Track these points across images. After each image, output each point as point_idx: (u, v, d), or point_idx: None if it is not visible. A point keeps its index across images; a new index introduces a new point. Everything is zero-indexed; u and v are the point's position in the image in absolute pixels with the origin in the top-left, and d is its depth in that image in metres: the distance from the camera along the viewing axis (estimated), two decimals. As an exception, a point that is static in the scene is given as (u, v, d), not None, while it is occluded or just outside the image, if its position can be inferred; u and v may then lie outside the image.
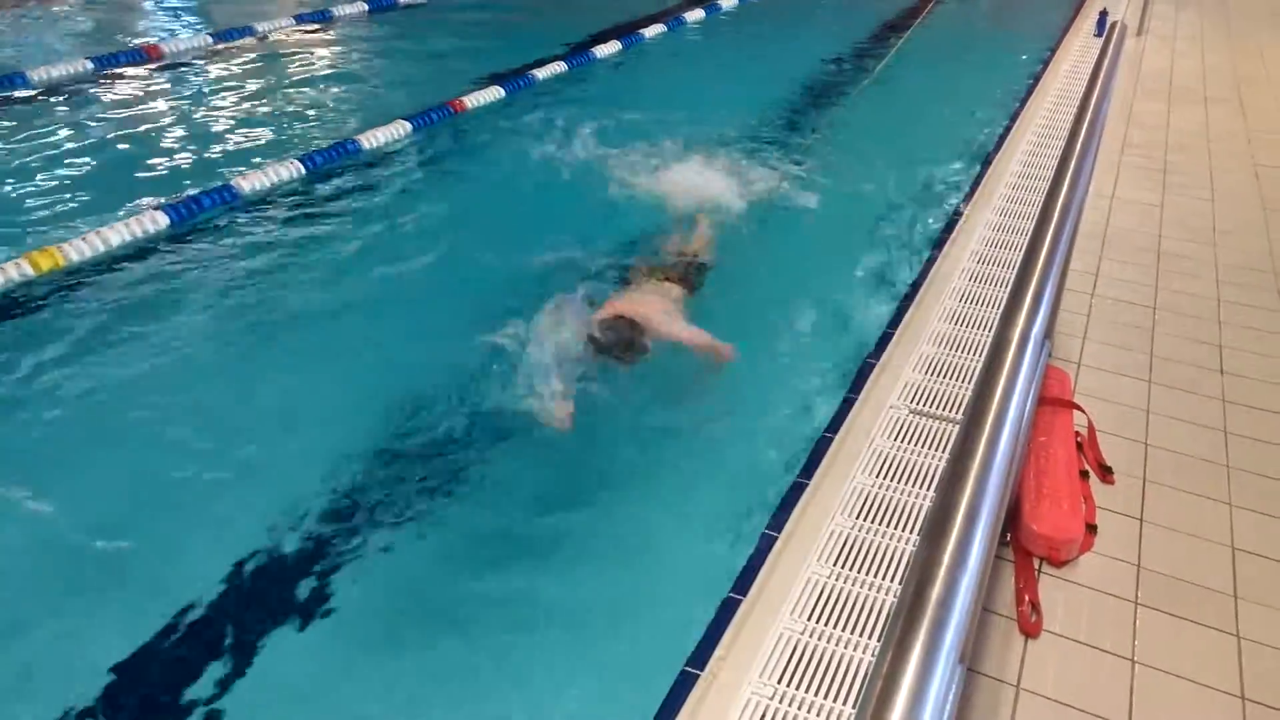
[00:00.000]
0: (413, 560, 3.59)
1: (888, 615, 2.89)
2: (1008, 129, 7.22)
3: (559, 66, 8.81)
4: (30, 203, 5.96)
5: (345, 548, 3.57)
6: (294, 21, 10.02)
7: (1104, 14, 9.92)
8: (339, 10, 10.49)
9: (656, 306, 4.65)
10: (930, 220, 5.92)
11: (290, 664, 3.19)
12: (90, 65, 8.29)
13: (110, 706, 2.99)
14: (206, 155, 6.77)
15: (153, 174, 6.46)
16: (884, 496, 3.40)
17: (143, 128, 7.21)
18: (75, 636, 3.22)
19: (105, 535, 3.58)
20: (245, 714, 3.01)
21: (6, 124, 7.12)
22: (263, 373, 4.60)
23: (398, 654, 3.22)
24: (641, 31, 10.02)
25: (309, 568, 3.50)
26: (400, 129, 7.20)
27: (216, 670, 3.13)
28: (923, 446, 3.67)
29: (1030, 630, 3.06)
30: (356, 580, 3.46)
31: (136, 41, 9.21)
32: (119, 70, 8.41)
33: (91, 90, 7.92)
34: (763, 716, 2.58)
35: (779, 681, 2.68)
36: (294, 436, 4.21)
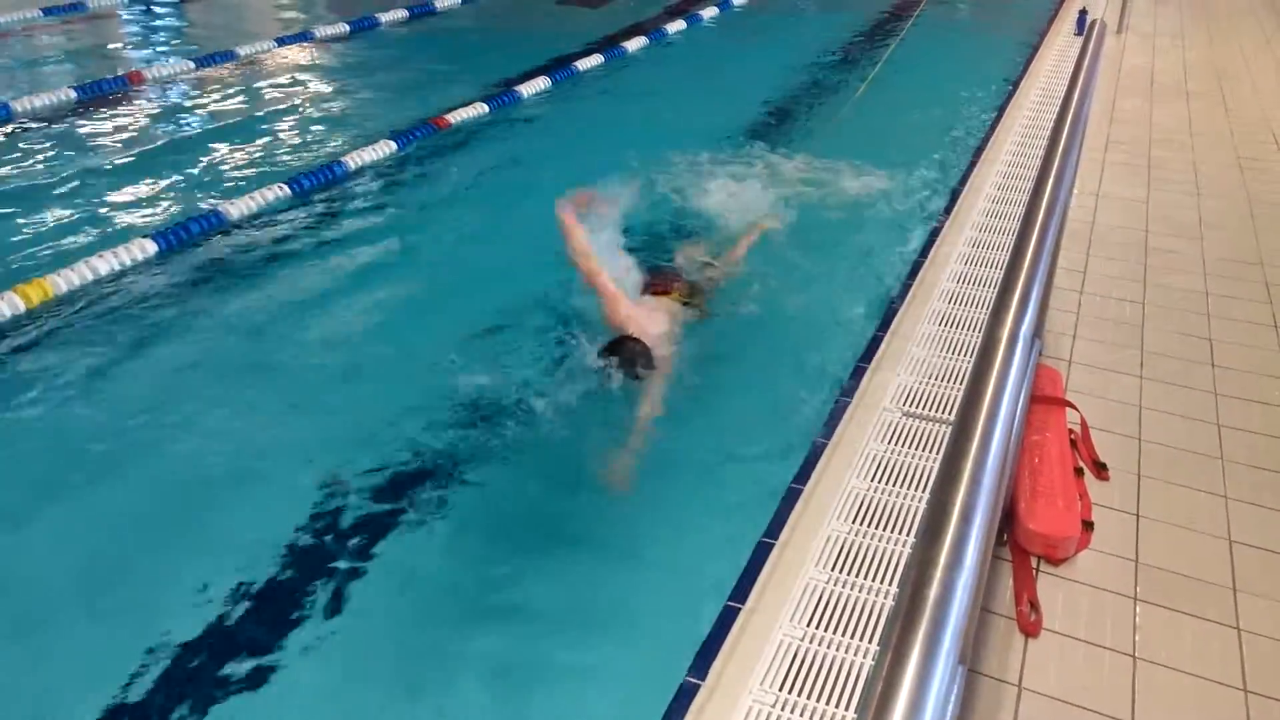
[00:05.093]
0: (411, 577, 3.59)
1: (887, 618, 2.89)
2: (991, 130, 7.26)
3: (543, 82, 8.84)
4: (15, 235, 5.92)
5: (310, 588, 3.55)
6: (275, 44, 10.02)
7: (1083, 12, 9.99)
8: (320, 31, 10.49)
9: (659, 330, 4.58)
10: (916, 222, 5.93)
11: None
12: (73, 94, 8.27)
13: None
14: (192, 181, 6.75)
15: (139, 201, 6.43)
16: (879, 500, 3.40)
17: (126, 155, 7.18)
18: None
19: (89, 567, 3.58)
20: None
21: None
22: (258, 397, 4.58)
23: (389, 677, 3.21)
24: (624, 45, 10.08)
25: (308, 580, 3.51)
26: (386, 148, 7.20)
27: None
28: (917, 449, 3.67)
29: (1030, 629, 3.05)
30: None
31: (119, 69, 9.17)
32: (102, 97, 8.38)
33: (74, 118, 7.89)
34: (765, 725, 2.58)
35: (780, 689, 2.68)
36: (302, 456, 4.20)
